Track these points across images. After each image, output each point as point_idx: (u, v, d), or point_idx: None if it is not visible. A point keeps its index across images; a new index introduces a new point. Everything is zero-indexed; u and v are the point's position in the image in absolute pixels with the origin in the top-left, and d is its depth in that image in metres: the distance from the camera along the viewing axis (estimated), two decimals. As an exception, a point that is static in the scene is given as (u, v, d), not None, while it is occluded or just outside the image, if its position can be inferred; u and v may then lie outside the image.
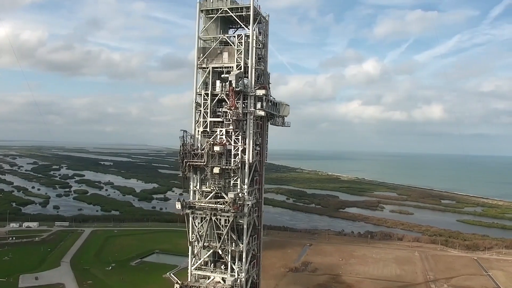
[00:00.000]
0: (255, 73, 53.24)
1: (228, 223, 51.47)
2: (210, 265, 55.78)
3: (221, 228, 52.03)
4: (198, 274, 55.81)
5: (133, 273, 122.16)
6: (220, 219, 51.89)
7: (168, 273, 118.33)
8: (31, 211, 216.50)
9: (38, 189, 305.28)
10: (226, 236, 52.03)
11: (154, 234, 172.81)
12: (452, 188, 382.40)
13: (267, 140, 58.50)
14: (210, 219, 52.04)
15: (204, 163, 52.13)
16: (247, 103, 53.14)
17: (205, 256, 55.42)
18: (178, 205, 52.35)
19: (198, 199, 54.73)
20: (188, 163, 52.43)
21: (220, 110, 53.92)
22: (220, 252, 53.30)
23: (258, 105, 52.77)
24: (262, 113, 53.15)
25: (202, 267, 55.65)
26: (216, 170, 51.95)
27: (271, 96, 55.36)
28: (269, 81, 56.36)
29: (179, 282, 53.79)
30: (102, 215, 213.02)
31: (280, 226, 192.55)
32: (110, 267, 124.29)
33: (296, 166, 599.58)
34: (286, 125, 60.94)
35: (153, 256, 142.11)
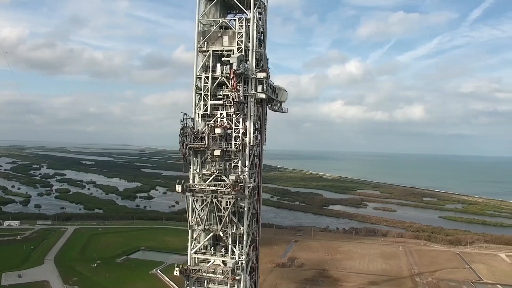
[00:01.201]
0: (255, 56, 53.58)
1: (229, 205, 51.63)
2: (210, 249, 55.86)
3: (222, 210, 52.16)
4: (198, 258, 55.81)
5: (119, 270, 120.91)
6: (221, 201, 52.02)
7: (154, 269, 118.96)
8: (12, 210, 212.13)
9: (19, 188, 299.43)
10: (227, 219, 52.11)
11: (139, 232, 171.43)
12: (434, 186, 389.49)
13: (265, 125, 58.84)
14: (211, 201, 52.11)
15: (205, 146, 52.27)
16: (247, 86, 53.51)
17: (205, 240, 55.38)
18: (179, 188, 52.14)
19: (198, 182, 54.79)
20: (189, 145, 52.43)
21: (221, 93, 54.16)
22: (222, 235, 53.32)
23: (259, 88, 53.19)
24: (263, 95, 53.55)
25: (202, 251, 55.63)
26: (217, 152, 52.14)
27: (270, 80, 55.74)
28: (268, 65, 56.58)
29: (179, 265, 53.43)
30: (85, 213, 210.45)
31: (266, 223, 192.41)
32: (95, 264, 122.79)
33: (279, 165, 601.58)
34: (283, 111, 61.40)
35: (138, 253, 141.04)
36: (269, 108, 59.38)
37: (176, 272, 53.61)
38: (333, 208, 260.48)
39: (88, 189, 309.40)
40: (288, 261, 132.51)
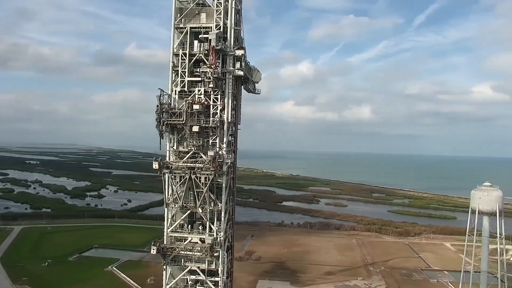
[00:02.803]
0: (233, 34, 53.95)
1: (208, 181, 51.57)
2: (188, 227, 55.57)
3: (201, 186, 52.00)
4: (175, 237, 55.34)
5: (73, 268, 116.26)
6: (200, 178, 51.85)
7: (110, 267, 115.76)
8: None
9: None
10: (205, 195, 52.03)
11: (91, 230, 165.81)
12: (382, 183, 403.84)
13: (240, 105, 59.22)
14: (190, 178, 51.79)
15: (183, 122, 51.97)
16: (225, 64, 53.70)
17: (182, 218, 55.01)
18: (156, 165, 51.49)
19: (175, 159, 54.44)
20: (166, 122, 52.02)
21: (198, 70, 53.97)
22: (201, 211, 53.14)
23: (237, 65, 53.55)
24: (240, 72, 53.87)
25: (178, 229, 55.28)
26: (195, 128, 51.99)
27: (247, 59, 56.22)
28: (243, 45, 56.89)
29: (156, 244, 52.66)
30: (32, 212, 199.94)
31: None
32: (46, 263, 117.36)
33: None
34: (256, 92, 61.92)
35: (92, 251, 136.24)
36: (243, 88, 59.80)
37: (153, 251, 52.74)
38: (287, 204, 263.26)
39: (34, 188, 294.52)
40: (246, 255, 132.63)
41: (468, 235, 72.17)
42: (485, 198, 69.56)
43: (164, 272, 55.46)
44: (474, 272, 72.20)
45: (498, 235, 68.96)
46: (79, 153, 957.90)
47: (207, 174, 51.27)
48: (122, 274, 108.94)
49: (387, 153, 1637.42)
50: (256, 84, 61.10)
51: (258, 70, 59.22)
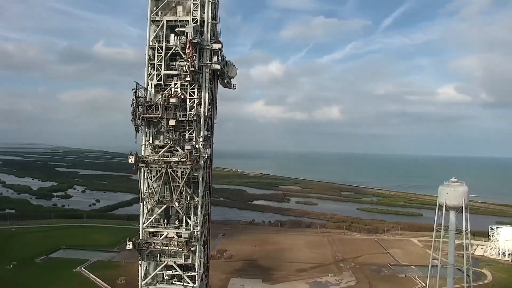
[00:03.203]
0: (210, 28, 53.82)
1: (185, 175, 51.23)
2: (164, 222, 55.01)
3: (178, 180, 51.64)
4: (151, 232, 54.77)
5: (40, 269, 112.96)
6: (176, 171, 51.49)
7: (79, 267, 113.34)
8: None
9: None
10: (182, 189, 51.60)
11: (58, 230, 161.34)
12: (351, 181, 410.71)
13: (216, 99, 59.14)
14: (166, 172, 51.34)
15: (159, 115, 51.50)
16: (202, 58, 53.47)
17: (158, 212, 54.43)
18: (131, 159, 50.79)
19: (150, 153, 53.90)
20: (142, 115, 51.38)
21: (174, 64, 53.60)
22: (177, 205, 52.66)
23: (214, 59, 53.43)
24: (217, 66, 53.76)
25: (154, 224, 54.66)
26: (172, 122, 51.64)
27: (223, 53, 56.13)
28: (220, 38, 56.80)
29: (132, 239, 51.85)
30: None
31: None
32: (12, 265, 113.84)
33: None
34: (232, 87, 61.85)
35: (59, 252, 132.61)
36: (219, 83, 59.70)
37: (129, 246, 51.96)
38: (257, 203, 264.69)
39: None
40: (217, 254, 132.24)
41: (436, 229, 74.24)
42: (452, 193, 71.65)
43: (139, 267, 54.78)
44: (442, 266, 74.20)
45: (464, 229, 71.12)
46: (45, 152, 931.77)
47: (183, 168, 50.93)
48: (91, 275, 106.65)
49: (355, 152, 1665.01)
50: (231, 79, 61.00)
51: (234, 65, 59.35)
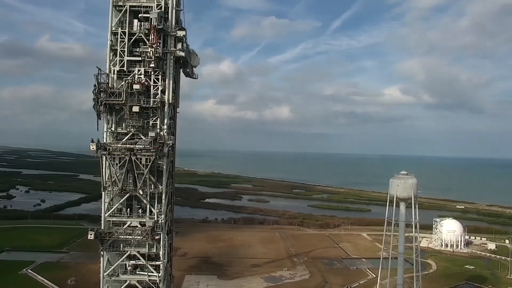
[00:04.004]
0: (174, 14, 53.19)
1: (149, 163, 50.38)
2: (127, 210, 53.76)
3: (142, 168, 50.67)
4: (113, 221, 53.36)
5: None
6: (140, 159, 50.47)
7: (25, 269, 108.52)
8: None
9: None
10: (146, 177, 50.68)
11: (1, 232, 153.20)
12: (301, 179, 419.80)
13: (179, 87, 58.39)
14: (129, 160, 50.24)
15: (123, 102, 50.35)
16: (166, 44, 52.84)
17: (120, 201, 53.15)
18: (93, 147, 49.28)
19: (112, 141, 52.63)
20: (104, 102, 50.00)
21: (137, 50, 52.60)
22: (141, 193, 51.66)
23: (179, 46, 52.89)
24: (182, 53, 53.27)
25: (116, 214, 53.32)
26: (135, 108, 50.71)
27: (187, 41, 55.62)
28: (184, 25, 56.18)
29: (94, 229, 50.12)
30: None
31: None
32: None
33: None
34: (194, 76, 61.12)
35: (3, 254, 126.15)
36: (182, 72, 58.97)
37: (91, 236, 50.43)
38: (210, 201, 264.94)
39: None
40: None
41: (387, 220, 76.94)
42: (402, 185, 74.71)
43: (101, 258, 53.20)
44: (392, 258, 76.83)
45: (413, 218, 74.19)
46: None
47: (147, 156, 50.12)
48: (39, 276, 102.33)
49: (305, 151, 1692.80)
50: (194, 69, 60.47)
51: (196, 54, 58.77)
